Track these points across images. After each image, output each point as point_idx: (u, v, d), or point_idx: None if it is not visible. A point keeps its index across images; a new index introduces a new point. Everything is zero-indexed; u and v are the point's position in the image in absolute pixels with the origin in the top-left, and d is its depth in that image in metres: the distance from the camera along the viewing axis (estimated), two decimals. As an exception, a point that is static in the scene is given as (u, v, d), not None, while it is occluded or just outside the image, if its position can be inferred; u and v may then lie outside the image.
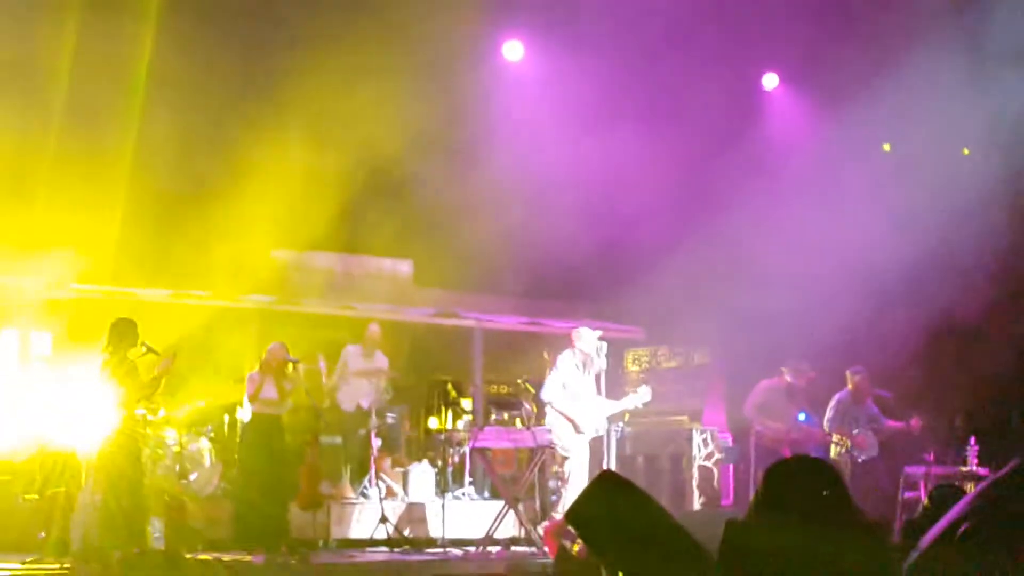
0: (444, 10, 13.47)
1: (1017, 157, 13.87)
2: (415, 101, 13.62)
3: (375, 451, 12.67)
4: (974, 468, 11.78)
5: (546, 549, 10.50)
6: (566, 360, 11.77)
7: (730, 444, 13.77)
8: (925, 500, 6.49)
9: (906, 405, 12.81)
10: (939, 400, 13.87)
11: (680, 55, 14.11)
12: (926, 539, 4.47)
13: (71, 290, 12.95)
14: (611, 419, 12.23)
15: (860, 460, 12.29)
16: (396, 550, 11.86)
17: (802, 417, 12.76)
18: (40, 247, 12.76)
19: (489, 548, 11.77)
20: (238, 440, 12.18)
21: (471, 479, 13.37)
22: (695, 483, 13.20)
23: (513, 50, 15.55)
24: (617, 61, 14.07)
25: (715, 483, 13.34)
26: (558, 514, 11.40)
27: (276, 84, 13.46)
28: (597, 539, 4.58)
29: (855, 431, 12.39)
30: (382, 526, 11.99)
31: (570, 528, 4.82)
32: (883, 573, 4.12)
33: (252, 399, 11.33)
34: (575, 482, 11.35)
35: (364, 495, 12.62)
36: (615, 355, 12.96)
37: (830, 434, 12.46)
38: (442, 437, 13.52)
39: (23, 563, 9.46)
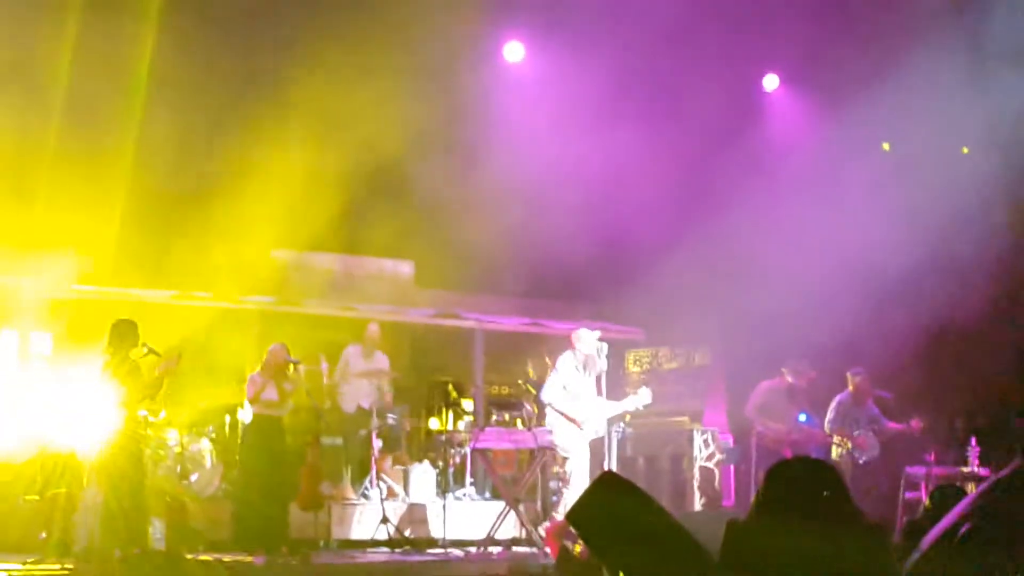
0: (444, 11, 13.46)
1: (1017, 157, 13.87)
2: (416, 101, 13.62)
3: (376, 452, 12.67)
4: (975, 469, 11.78)
5: (547, 550, 10.51)
6: (566, 361, 11.77)
7: (731, 445, 13.77)
8: (926, 501, 6.49)
9: (907, 406, 12.81)
10: (940, 401, 13.88)
11: (680, 55, 14.10)
12: (927, 540, 4.47)
13: (71, 291, 12.96)
14: (611, 420, 12.22)
15: (861, 461, 12.29)
16: (397, 551, 11.86)
17: (803, 418, 12.76)
18: (41, 247, 12.76)
19: (490, 549, 11.77)
20: (239, 441, 12.18)
21: (472, 480, 13.37)
22: (696, 484, 13.20)
23: (513, 51, 15.55)
24: (617, 61, 14.06)
25: (716, 484, 13.34)
26: (558, 515, 11.40)
27: (277, 85, 13.47)
28: (598, 540, 4.58)
29: (856, 432, 12.39)
30: (383, 527, 11.99)
31: (572, 529, 4.82)
32: (884, 574, 4.12)
33: (253, 400, 11.31)
34: (576, 483, 11.35)
35: (365, 496, 12.62)
36: (616, 356, 12.96)
37: (831, 435, 12.47)
38: (443, 438, 13.51)
39: (24, 564, 9.46)
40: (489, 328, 15.59)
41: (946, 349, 14.48)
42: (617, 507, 4.50)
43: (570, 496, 11.14)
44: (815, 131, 15.49)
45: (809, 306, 13.07)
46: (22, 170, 12.79)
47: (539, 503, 12.57)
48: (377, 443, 12.69)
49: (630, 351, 15.09)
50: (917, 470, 12.05)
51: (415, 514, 12.61)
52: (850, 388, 12.62)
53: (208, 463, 12.46)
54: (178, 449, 12.26)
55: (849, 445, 12.31)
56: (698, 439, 13.36)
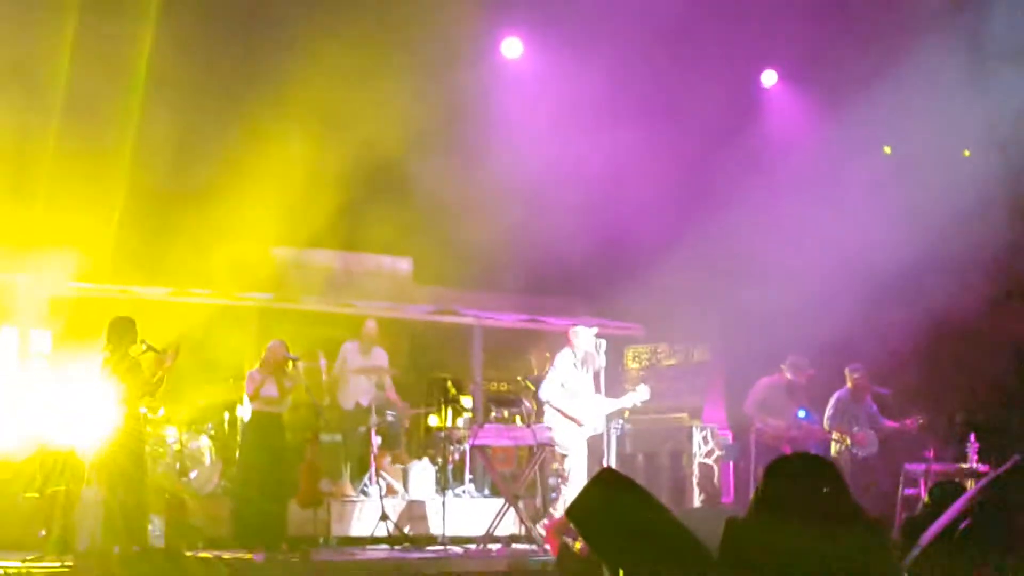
0: (443, 8, 13.47)
1: (1016, 156, 13.88)
2: (414, 99, 13.62)
3: (375, 449, 12.67)
4: (974, 465, 11.80)
5: (547, 547, 10.52)
6: (564, 359, 11.78)
7: (730, 441, 13.78)
8: (925, 497, 6.50)
9: (905, 403, 12.84)
10: (938, 398, 13.88)
11: (679, 53, 14.11)
12: (926, 536, 4.48)
13: (71, 288, 12.95)
14: (610, 417, 12.23)
15: (860, 457, 12.31)
16: (396, 548, 11.86)
17: (802, 414, 12.77)
18: (40, 245, 12.75)
19: (490, 546, 11.78)
20: (238, 438, 12.18)
21: (471, 476, 13.37)
22: (695, 480, 13.21)
23: (512, 48, 15.54)
24: (616, 58, 14.06)
25: (715, 480, 13.35)
26: (556, 512, 11.40)
27: (275, 82, 13.45)
28: (598, 537, 4.59)
29: (855, 428, 12.40)
30: (382, 524, 12.00)
31: (571, 526, 4.83)
32: (883, 570, 4.12)
33: (253, 397, 11.32)
34: (574, 480, 11.36)
35: (364, 493, 12.62)
36: (615, 352, 12.97)
37: (830, 431, 12.48)
38: (442, 434, 13.51)
39: (24, 561, 9.46)
40: (488, 325, 15.58)
41: (945, 346, 14.49)
42: (616, 504, 4.51)
43: (569, 493, 11.14)
44: (815, 129, 15.50)
45: (808, 303, 13.08)
46: (21, 168, 12.79)
47: (538, 500, 12.57)
48: (376, 440, 12.70)
49: (629, 347, 15.09)
50: (916, 467, 12.07)
51: (414, 511, 12.61)
52: (849, 385, 12.64)
53: (207, 460, 12.46)
54: (177, 446, 12.25)
55: (848, 441, 12.33)
56: (697, 436, 13.37)
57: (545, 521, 11.74)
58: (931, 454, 12.11)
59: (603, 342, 11.88)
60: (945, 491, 5.93)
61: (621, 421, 13.29)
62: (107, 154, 13.11)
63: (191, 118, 13.30)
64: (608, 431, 12.45)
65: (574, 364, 11.74)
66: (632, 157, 14.25)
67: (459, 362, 15.55)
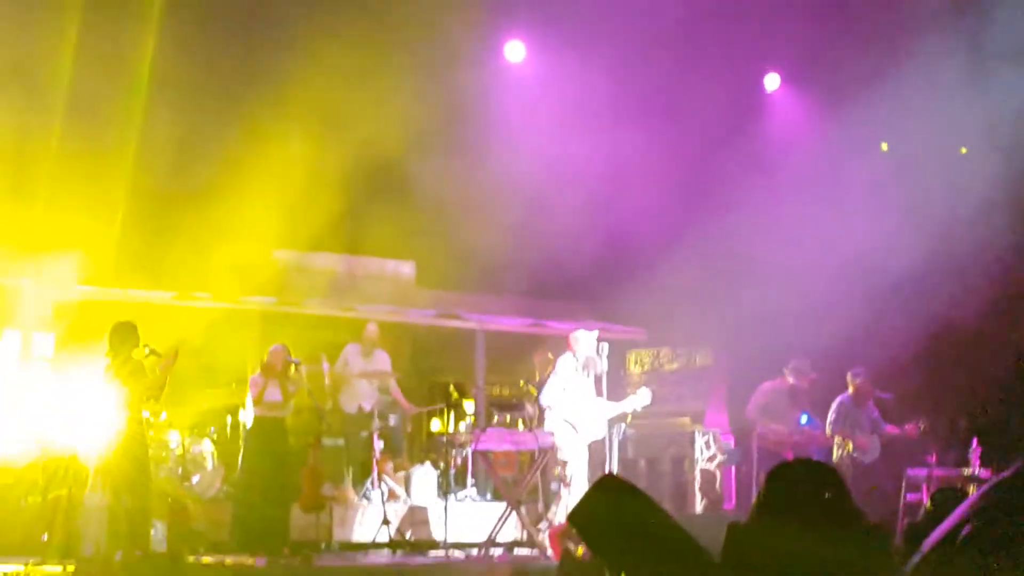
0: (445, 11, 13.48)
1: (1017, 158, 13.87)
2: (416, 102, 13.64)
3: (377, 453, 12.67)
4: (976, 471, 11.77)
5: (549, 552, 10.51)
6: (565, 364, 11.77)
7: (732, 446, 13.76)
8: (927, 503, 6.49)
9: (907, 407, 12.81)
10: (940, 402, 13.87)
11: (680, 54, 14.12)
12: (928, 542, 4.47)
13: (73, 292, 12.95)
14: (612, 421, 12.21)
15: (862, 462, 12.29)
16: (398, 552, 11.87)
17: (804, 419, 12.75)
18: (43, 248, 12.76)
19: (491, 551, 11.76)
20: (240, 442, 12.18)
21: (473, 481, 13.37)
22: (697, 486, 13.20)
23: (514, 50, 15.56)
24: (617, 61, 14.07)
25: (717, 486, 13.33)
26: (554, 516, 11.39)
27: (277, 85, 13.47)
28: (600, 542, 4.58)
29: (857, 433, 12.39)
30: (384, 528, 11.99)
31: (574, 531, 4.82)
32: (885, 575, 4.12)
33: (256, 402, 11.30)
34: (575, 485, 11.35)
35: (366, 497, 12.61)
36: (617, 356, 12.95)
37: (832, 436, 12.47)
38: (444, 439, 13.51)
39: (26, 565, 9.46)
40: (490, 329, 15.58)
41: (947, 350, 14.48)
42: (618, 509, 4.51)
43: (570, 498, 11.13)
44: (816, 131, 15.50)
45: (810, 307, 13.07)
46: (23, 171, 12.80)
47: (541, 505, 12.56)
48: (378, 444, 12.69)
49: (631, 351, 15.08)
50: (918, 472, 12.04)
51: (416, 516, 12.61)
52: (851, 389, 12.62)
53: (209, 465, 12.46)
54: (179, 451, 12.25)
55: (850, 446, 12.31)
56: (699, 441, 13.36)
57: (543, 525, 11.73)
58: (933, 459, 12.08)
59: (605, 346, 11.87)
60: (947, 496, 5.92)
61: (623, 426, 13.28)
62: (109, 157, 13.12)
63: (193, 120, 13.31)
64: (610, 436, 12.43)
65: (575, 369, 11.73)
66: (634, 160, 14.27)
67: (461, 366, 15.56)
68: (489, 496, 13.40)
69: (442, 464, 13.28)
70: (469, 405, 14.84)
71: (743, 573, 4.09)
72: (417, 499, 12.94)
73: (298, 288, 14.71)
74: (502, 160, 14.03)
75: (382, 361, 13.60)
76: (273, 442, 11.30)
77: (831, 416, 12.54)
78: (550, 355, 12.89)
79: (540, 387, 12.19)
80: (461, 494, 13.18)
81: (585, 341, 11.79)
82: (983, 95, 13.72)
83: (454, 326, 15.52)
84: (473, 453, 12.80)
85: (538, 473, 12.22)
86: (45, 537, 10.39)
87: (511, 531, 12.19)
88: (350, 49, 13.01)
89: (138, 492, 9.82)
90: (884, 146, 15.90)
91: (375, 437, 12.66)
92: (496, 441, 12.29)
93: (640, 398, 11.90)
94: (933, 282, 13.71)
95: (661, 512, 4.55)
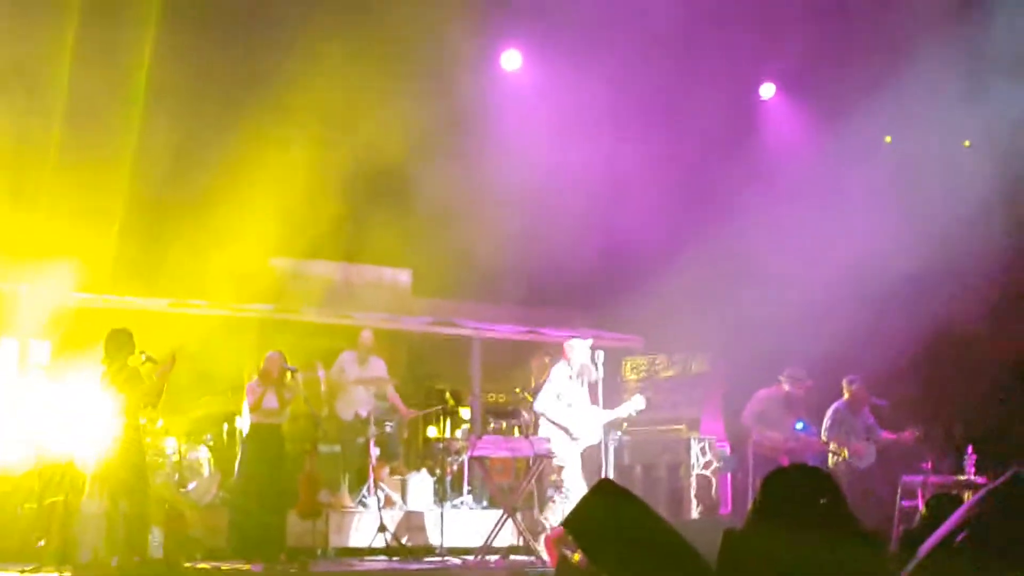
0: (442, 19, 13.50)
1: (1015, 165, 13.90)
2: (414, 110, 13.64)
3: (373, 460, 12.67)
4: (972, 477, 11.79)
5: (545, 558, 10.52)
6: (559, 372, 11.80)
7: (728, 453, 13.78)
8: (923, 509, 6.49)
9: (903, 414, 12.83)
10: (936, 409, 13.89)
11: (678, 62, 14.14)
12: (924, 548, 4.48)
13: (70, 299, 12.95)
14: (607, 427, 12.23)
15: (857, 469, 12.31)
16: (394, 559, 11.87)
17: (800, 426, 12.77)
18: (39, 255, 12.76)
19: (487, 557, 11.77)
20: (237, 449, 12.18)
21: (469, 488, 13.37)
22: (693, 492, 13.21)
23: (511, 59, 15.58)
24: (614, 69, 14.09)
25: (713, 492, 13.35)
26: (550, 522, 11.40)
27: (275, 93, 13.47)
28: (595, 548, 4.60)
29: (852, 440, 12.41)
30: (380, 535, 12.00)
31: (570, 537, 4.84)
32: (881, 581, 4.14)
33: (254, 409, 11.30)
34: (571, 492, 11.36)
35: (363, 504, 12.61)
36: (613, 364, 12.97)
37: (828, 443, 12.49)
38: (440, 446, 13.52)
39: (22, 571, 9.46)
40: (486, 336, 15.59)
41: (943, 358, 14.50)
42: (614, 515, 4.52)
43: (566, 505, 11.14)
44: (813, 139, 15.53)
45: (807, 314, 13.09)
46: (20, 178, 12.79)
47: (536, 511, 12.57)
48: (375, 451, 12.70)
49: (627, 359, 15.10)
50: (914, 478, 12.07)
51: (413, 522, 12.61)
52: (846, 396, 12.64)
53: (206, 471, 12.45)
54: (176, 457, 12.24)
55: (846, 453, 12.33)
56: (695, 447, 13.38)
57: (540, 530, 11.75)
58: (929, 466, 12.11)
59: (601, 353, 11.89)
60: (942, 503, 5.94)
61: (619, 432, 13.30)
62: (106, 164, 13.12)
63: (190, 128, 13.31)
64: (606, 442, 12.45)
65: (569, 377, 11.76)
66: (631, 168, 14.29)
67: (458, 373, 15.56)
68: (485, 502, 13.40)
69: (438, 471, 13.28)
70: (465, 412, 14.84)
71: (739, 579, 4.11)
72: (413, 505, 12.95)
73: (295, 296, 14.71)
74: (499, 168, 14.05)
75: (378, 368, 13.60)
76: (270, 449, 11.30)
77: (826, 423, 12.56)
78: (547, 360, 12.91)
79: (536, 393, 12.21)
80: (457, 500, 13.19)
81: (579, 349, 11.82)
82: (981, 102, 13.76)
83: (450, 333, 15.52)
84: (469, 460, 12.80)
85: (534, 479, 12.24)
86: (42, 543, 10.39)
87: (507, 537, 12.19)
88: (347, 57, 13.03)
89: (136, 498, 9.83)
90: (888, 139, 15.85)
91: (371, 443, 12.66)
92: (492, 448, 12.30)
93: (634, 403, 11.93)
94: (928, 289, 13.73)
95: (657, 518, 4.57)
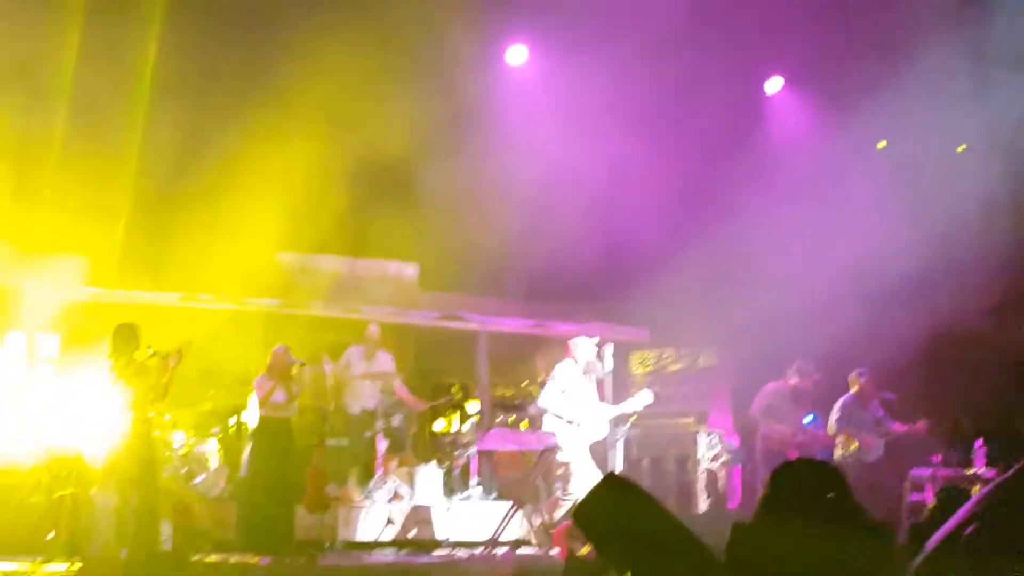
0: (447, 14, 13.49)
1: (1018, 161, 13.88)
2: (420, 104, 13.64)
3: (381, 453, 12.68)
4: (981, 470, 11.79)
5: (555, 551, 10.52)
6: (564, 369, 11.82)
7: (736, 446, 13.78)
8: (931, 502, 6.49)
9: (912, 407, 12.83)
10: (945, 403, 13.88)
11: (684, 58, 14.12)
12: (932, 541, 4.47)
13: (78, 293, 12.98)
14: (614, 422, 12.23)
15: (866, 462, 12.30)
16: (402, 552, 11.89)
17: (809, 419, 12.77)
18: (47, 250, 12.79)
19: (496, 550, 11.78)
20: (244, 442, 12.20)
21: (477, 481, 13.38)
22: (701, 485, 13.22)
23: (517, 54, 15.57)
24: (621, 65, 14.07)
25: (721, 485, 13.36)
26: (554, 516, 11.42)
27: (281, 88, 13.48)
28: (603, 541, 4.59)
29: (861, 433, 12.41)
30: (388, 528, 12.01)
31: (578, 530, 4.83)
32: (888, 574, 4.13)
33: (261, 403, 11.32)
34: (577, 485, 11.37)
35: (370, 497, 12.63)
36: (621, 357, 12.97)
37: (836, 436, 12.48)
38: (448, 439, 13.54)
39: (31, 563, 9.49)
40: (493, 330, 15.59)
41: (952, 351, 14.49)
42: (622, 508, 4.51)
43: (573, 499, 11.15)
44: (820, 135, 15.51)
45: (814, 308, 13.09)
46: (28, 173, 12.83)
47: (544, 504, 12.58)
48: (382, 444, 12.71)
49: (635, 352, 15.11)
50: (922, 472, 12.07)
51: (420, 515, 12.62)
52: (854, 389, 12.63)
53: (213, 464, 12.48)
54: (184, 451, 12.28)
55: (854, 446, 12.32)
56: (703, 441, 13.38)
57: (538, 521, 11.76)
58: (938, 459, 12.10)
59: (609, 347, 11.89)
60: (951, 496, 5.93)
61: (627, 426, 13.30)
62: (113, 159, 13.14)
63: (196, 123, 13.33)
64: (614, 436, 12.46)
65: (574, 374, 11.78)
66: (637, 162, 14.28)
67: (465, 367, 15.57)
68: (493, 496, 13.41)
69: (446, 464, 13.30)
70: (472, 406, 14.85)
71: (747, 572, 4.10)
72: (421, 499, 12.95)
73: (302, 290, 14.73)
74: (505, 163, 14.05)
75: (385, 362, 13.61)
76: (278, 443, 11.32)
77: (835, 416, 12.56)
78: (554, 354, 12.93)
79: (543, 386, 12.24)
80: (465, 494, 13.21)
81: (585, 347, 11.83)
82: (985, 99, 13.73)
83: (457, 328, 15.53)
84: (477, 453, 12.82)
85: (541, 473, 12.24)
86: (50, 536, 10.42)
87: (515, 530, 12.20)
88: (353, 52, 13.02)
89: (145, 492, 9.85)
90: (882, 144, 15.87)
91: (379, 437, 12.67)
92: (499, 441, 12.32)
93: (641, 398, 11.92)
94: (937, 283, 13.72)
95: (665, 511, 4.56)
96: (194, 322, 12.83)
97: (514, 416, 14.06)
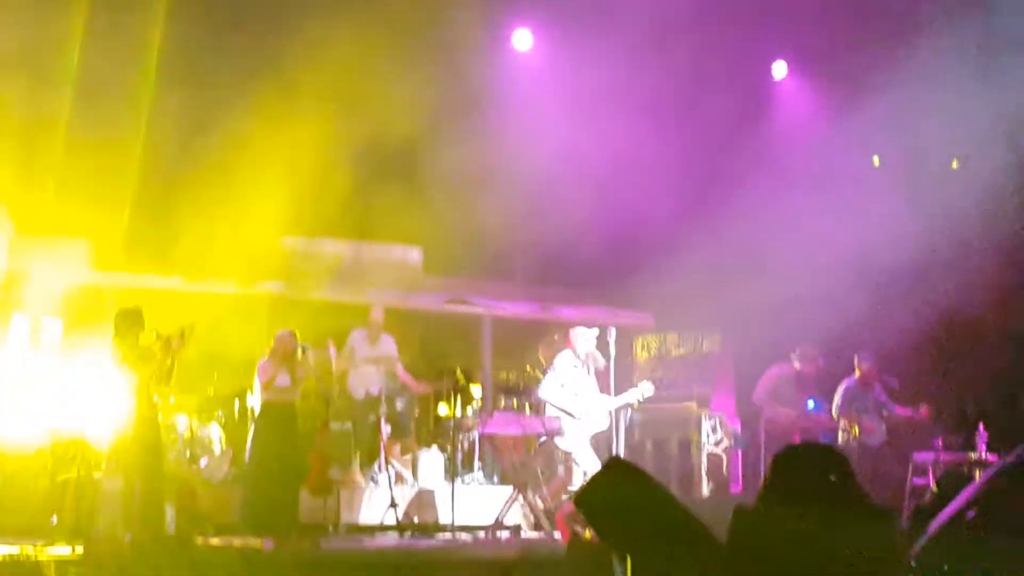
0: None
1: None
2: (425, 88, 13.63)
3: (385, 437, 12.70)
4: (983, 455, 11.79)
5: (558, 535, 10.55)
6: (564, 360, 11.83)
7: (739, 431, 13.80)
8: (933, 486, 6.51)
9: (914, 392, 12.84)
10: (948, 387, 13.88)
11: (690, 42, 14.09)
12: (934, 525, 4.49)
13: (82, 277, 12.99)
14: (614, 412, 12.24)
15: (868, 446, 12.32)
16: (405, 535, 11.90)
17: (811, 404, 12.78)
18: (51, 234, 12.79)
19: (498, 533, 11.81)
20: (248, 426, 12.21)
21: (480, 465, 13.40)
22: (704, 469, 13.23)
23: (523, 38, 15.55)
24: (626, 49, 14.04)
25: (724, 469, 13.37)
26: (551, 499, 11.45)
27: (286, 71, 13.46)
28: (605, 524, 4.61)
29: (864, 417, 12.41)
30: (391, 511, 12.03)
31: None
32: (890, 558, 4.14)
33: (265, 388, 11.29)
34: (581, 472, 11.40)
35: (374, 481, 12.65)
36: (624, 342, 12.98)
37: (839, 420, 12.49)
38: (451, 423, 13.53)
39: (35, 546, 9.51)
40: (497, 314, 15.60)
41: (955, 335, 14.48)
42: (625, 492, 4.53)
43: (576, 484, 11.17)
44: (825, 120, 15.47)
45: (818, 292, 13.08)
46: (33, 156, 12.82)
47: (547, 488, 12.60)
48: (386, 428, 12.72)
49: (639, 337, 15.11)
50: (925, 456, 12.07)
51: (423, 499, 12.64)
52: (857, 373, 12.64)
53: (217, 448, 12.50)
54: (187, 434, 12.29)
55: (856, 430, 12.33)
56: (706, 425, 13.40)
57: (538, 504, 11.79)
58: (940, 443, 12.10)
59: (612, 331, 11.89)
60: (953, 480, 5.96)
61: (630, 410, 13.31)
62: (118, 142, 13.14)
63: (201, 107, 13.32)
64: (617, 420, 12.47)
65: (575, 366, 11.79)
66: (642, 147, 14.25)
67: (469, 351, 15.58)
68: (496, 479, 13.43)
69: (449, 448, 13.31)
70: (476, 390, 14.86)
71: (749, 556, 4.11)
72: (424, 482, 12.98)
73: (306, 274, 14.72)
74: (510, 147, 14.02)
75: (388, 346, 13.60)
76: (282, 427, 11.31)
77: (837, 400, 12.57)
78: (556, 338, 12.93)
79: (547, 371, 12.25)
80: (468, 477, 13.23)
81: (585, 338, 11.84)
82: (995, 86, 13.68)
83: (461, 312, 15.53)
84: (480, 437, 12.84)
85: (544, 457, 12.26)
86: (55, 520, 10.45)
87: (518, 514, 12.23)
88: (359, 34, 13.00)
89: (149, 475, 9.86)
90: (876, 160, 15.87)
91: (382, 421, 12.69)
92: (502, 425, 12.34)
93: (641, 390, 11.95)
94: (941, 268, 13.71)
95: (668, 495, 4.58)
96: (199, 306, 12.82)
97: (517, 400, 14.07)
